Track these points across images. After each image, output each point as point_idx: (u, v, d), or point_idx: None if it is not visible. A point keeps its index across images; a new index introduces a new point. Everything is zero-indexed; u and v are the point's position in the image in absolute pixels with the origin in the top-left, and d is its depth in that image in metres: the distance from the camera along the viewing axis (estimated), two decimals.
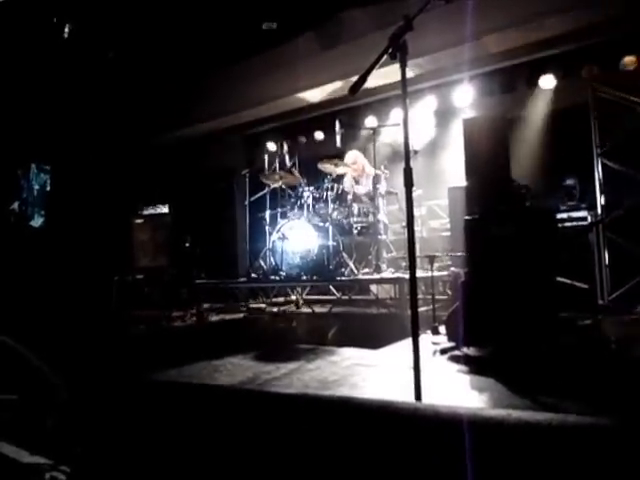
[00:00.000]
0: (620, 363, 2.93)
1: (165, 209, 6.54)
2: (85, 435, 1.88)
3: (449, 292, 4.99)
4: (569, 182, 5.26)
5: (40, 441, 1.80)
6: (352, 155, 6.05)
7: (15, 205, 7.19)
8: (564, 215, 5.05)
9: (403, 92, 1.70)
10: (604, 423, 0.73)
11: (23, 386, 1.97)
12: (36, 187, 7.48)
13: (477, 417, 0.73)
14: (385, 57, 1.73)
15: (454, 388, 2.50)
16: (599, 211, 5.19)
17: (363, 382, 2.67)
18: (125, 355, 3.77)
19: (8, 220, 6.90)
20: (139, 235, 6.62)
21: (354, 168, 5.87)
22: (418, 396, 1.60)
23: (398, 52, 1.67)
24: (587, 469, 0.69)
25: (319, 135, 7.28)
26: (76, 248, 6.38)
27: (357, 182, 5.97)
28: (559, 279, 3.33)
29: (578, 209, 5.08)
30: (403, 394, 2.01)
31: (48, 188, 7.42)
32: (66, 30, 5.80)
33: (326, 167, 5.51)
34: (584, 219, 5.04)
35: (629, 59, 5.15)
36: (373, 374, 2.85)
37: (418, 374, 1.58)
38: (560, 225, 4.94)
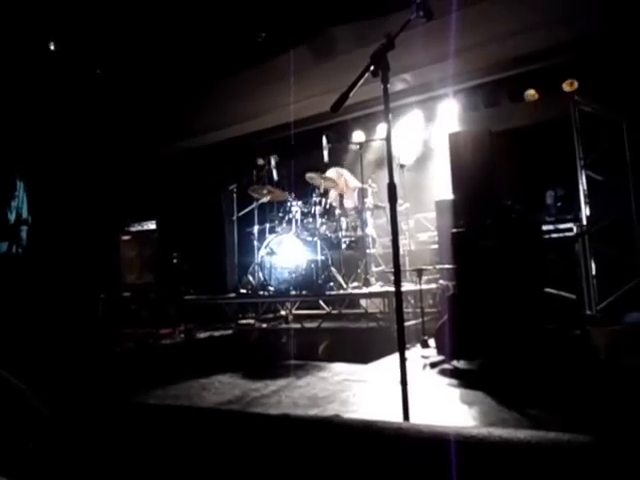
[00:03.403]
0: (609, 374, 2.94)
1: (152, 225, 6.48)
2: (67, 458, 1.84)
3: (438, 305, 4.99)
4: (555, 194, 5.32)
5: (20, 465, 1.75)
6: (333, 172, 6.10)
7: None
8: (550, 227, 5.10)
9: (385, 108, 1.72)
10: (582, 440, 0.73)
11: (2, 409, 1.92)
12: (14, 204, 7.37)
13: (459, 436, 0.72)
14: (368, 74, 1.75)
15: (443, 402, 2.49)
16: (584, 222, 5.25)
17: (354, 398, 2.64)
18: (112, 375, 3.71)
19: None
20: (126, 252, 6.54)
21: (338, 183, 5.90)
22: (406, 414, 1.59)
23: (380, 70, 1.69)
24: None
25: (307, 150, 7.30)
26: (61, 265, 6.29)
27: (342, 197, 6.01)
28: (547, 290, 3.34)
29: (563, 221, 5.13)
30: (393, 410, 1.99)
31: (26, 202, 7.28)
32: (51, 47, 5.80)
33: (313, 178, 5.53)
34: (570, 230, 5.09)
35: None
36: (363, 390, 2.83)
37: (405, 392, 1.57)
38: (546, 236, 4.98)
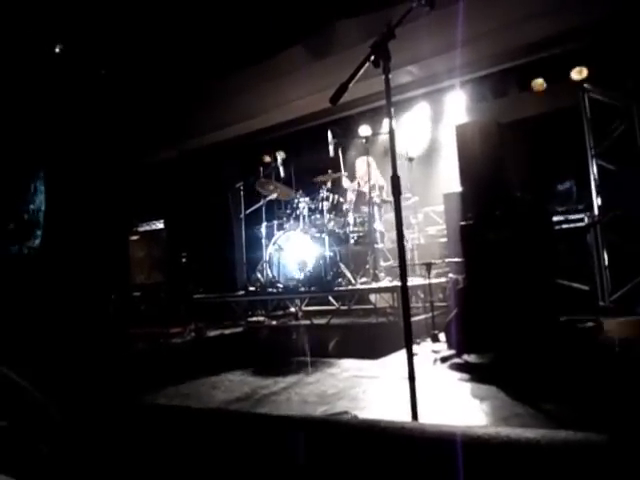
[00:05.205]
0: (623, 366, 2.88)
1: (160, 224, 6.51)
2: (80, 461, 1.84)
3: (448, 299, 4.95)
4: (565, 184, 5.24)
5: (33, 469, 1.76)
6: (361, 161, 6.01)
7: (12, 225, 7.16)
8: (561, 217, 5.03)
9: (387, 99, 1.68)
10: (594, 439, 0.70)
11: (14, 411, 1.93)
12: (32, 207, 7.44)
13: (466, 436, 0.69)
14: (369, 66, 1.72)
15: (454, 397, 2.46)
16: (596, 212, 5.16)
17: (363, 394, 2.62)
18: (122, 374, 3.73)
19: (4, 240, 6.86)
20: (135, 252, 6.58)
21: (362, 173, 5.82)
22: (414, 410, 1.56)
23: (381, 60, 1.65)
24: None
25: (313, 146, 7.27)
26: (72, 266, 6.33)
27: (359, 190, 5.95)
28: (559, 281, 3.29)
29: (575, 211, 5.06)
30: (403, 406, 1.97)
31: (44, 207, 7.38)
32: (57, 49, 5.82)
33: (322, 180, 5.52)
34: (581, 220, 5.02)
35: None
36: (373, 386, 2.81)
37: (413, 388, 1.55)
38: (557, 227, 4.91)
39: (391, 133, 1.66)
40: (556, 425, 1.89)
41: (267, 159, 7.27)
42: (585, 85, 5.34)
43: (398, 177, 1.59)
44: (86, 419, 2.04)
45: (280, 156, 6.00)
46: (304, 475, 0.93)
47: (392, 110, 1.67)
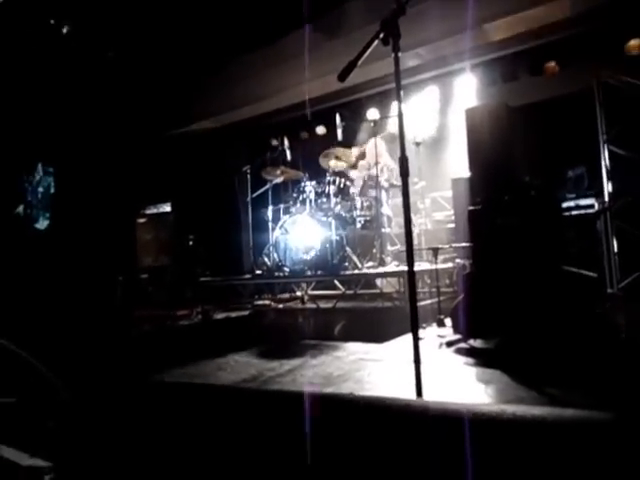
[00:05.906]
0: (630, 352, 2.87)
1: (167, 208, 6.53)
2: (86, 436, 1.87)
3: (455, 284, 4.94)
4: (576, 170, 5.18)
5: (40, 443, 1.79)
6: (371, 143, 5.94)
7: (20, 208, 7.22)
8: (571, 203, 4.97)
9: (396, 78, 1.65)
10: (601, 417, 0.69)
11: (22, 388, 1.96)
12: (40, 190, 7.50)
13: (471, 413, 0.69)
14: (379, 45, 1.69)
15: (460, 381, 2.46)
16: (606, 198, 5.10)
17: (368, 377, 2.63)
18: (129, 355, 3.77)
19: (13, 223, 6.92)
20: (142, 234, 6.62)
21: (372, 156, 5.74)
22: (419, 391, 1.57)
23: (390, 37, 1.62)
24: (584, 463, 0.65)
25: (321, 129, 7.22)
26: (80, 249, 6.39)
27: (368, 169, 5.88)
28: (566, 268, 3.26)
29: (585, 197, 5.00)
30: (407, 388, 1.97)
31: (52, 190, 7.44)
32: (64, 30, 5.80)
33: (327, 162, 5.47)
34: (591, 207, 4.96)
35: (633, 43, 5.05)
36: (378, 369, 2.82)
37: (419, 369, 1.55)
38: (567, 213, 4.86)
39: (400, 112, 1.64)
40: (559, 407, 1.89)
41: (274, 142, 7.23)
42: (598, 69, 5.23)
43: (406, 158, 1.57)
44: (93, 396, 2.07)
45: (287, 139, 5.96)
46: (310, 451, 0.94)
47: (401, 90, 1.64)
